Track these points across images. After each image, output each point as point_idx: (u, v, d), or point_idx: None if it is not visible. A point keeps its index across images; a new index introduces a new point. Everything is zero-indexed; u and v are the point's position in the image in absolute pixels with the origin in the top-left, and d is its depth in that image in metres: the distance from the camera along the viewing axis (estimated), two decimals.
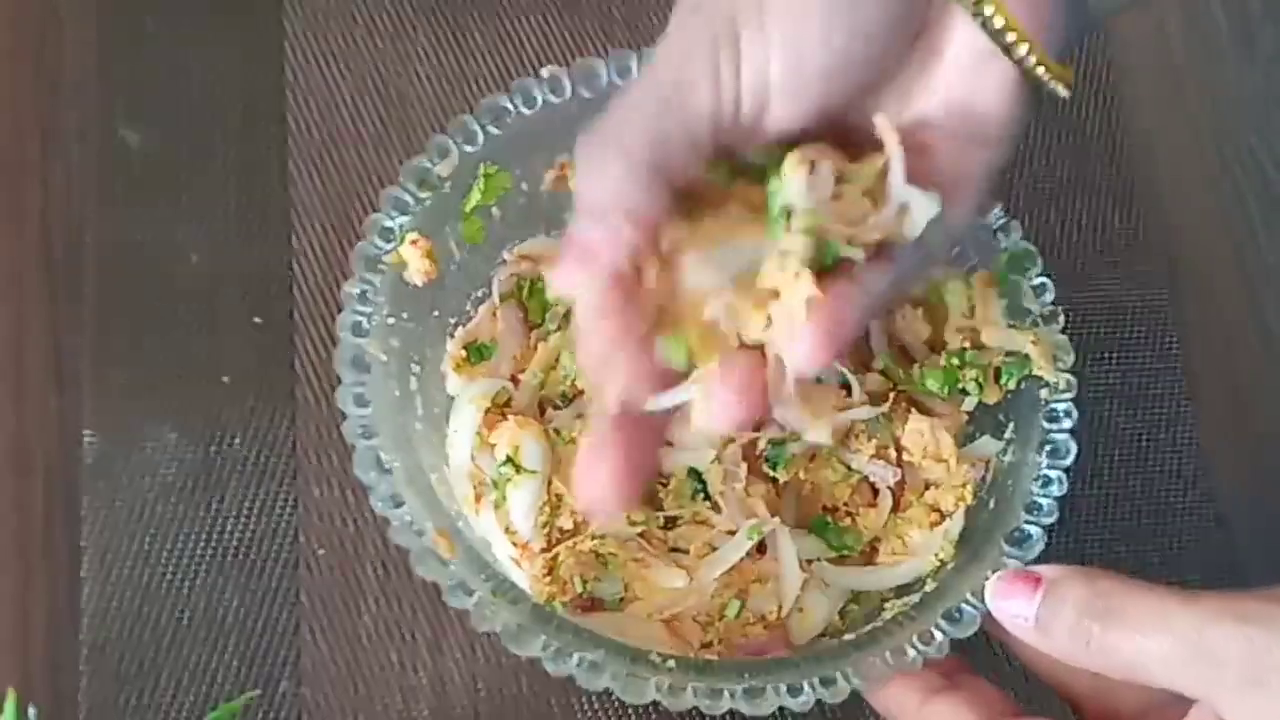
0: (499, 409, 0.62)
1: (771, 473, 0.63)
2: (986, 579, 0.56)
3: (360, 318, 0.57)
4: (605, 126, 0.43)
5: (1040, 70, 0.44)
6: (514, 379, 0.64)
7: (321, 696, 0.62)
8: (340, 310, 0.58)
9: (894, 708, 0.53)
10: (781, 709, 0.53)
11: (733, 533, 0.61)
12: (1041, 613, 0.48)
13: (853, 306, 0.43)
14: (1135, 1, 0.48)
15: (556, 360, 0.63)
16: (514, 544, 0.59)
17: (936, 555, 0.60)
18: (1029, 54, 0.43)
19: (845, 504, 0.64)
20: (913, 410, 0.63)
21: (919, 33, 0.44)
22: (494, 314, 0.64)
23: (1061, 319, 0.61)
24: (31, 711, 0.53)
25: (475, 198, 0.60)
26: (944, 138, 0.44)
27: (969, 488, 0.61)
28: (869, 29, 0.43)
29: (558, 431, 0.61)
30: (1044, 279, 0.62)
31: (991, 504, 0.60)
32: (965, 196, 0.45)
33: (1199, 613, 0.45)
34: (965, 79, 0.44)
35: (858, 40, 0.43)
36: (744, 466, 0.62)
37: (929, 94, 0.44)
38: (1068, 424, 0.59)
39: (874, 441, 0.63)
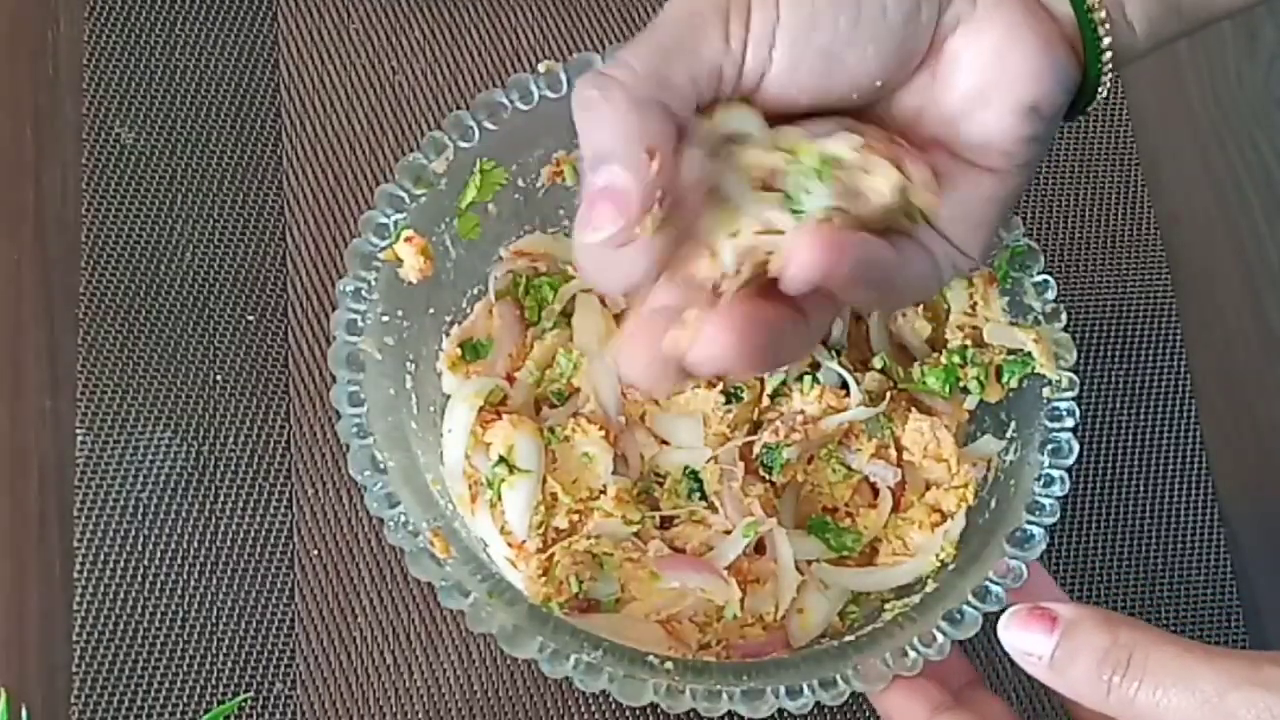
0: (494, 408, 0.61)
1: (767, 476, 0.63)
2: (988, 580, 0.56)
3: (355, 315, 0.57)
4: (606, 69, 0.43)
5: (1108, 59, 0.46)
6: (509, 377, 0.63)
7: (315, 698, 0.61)
8: (335, 308, 0.58)
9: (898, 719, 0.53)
10: (780, 711, 0.53)
11: (730, 532, 0.61)
12: (1058, 654, 0.48)
13: (854, 241, 0.43)
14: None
15: (553, 358, 0.63)
16: (509, 544, 0.59)
17: (937, 556, 0.60)
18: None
19: (845, 504, 0.63)
20: (913, 409, 0.63)
21: (929, 54, 0.45)
22: (490, 311, 0.63)
23: (1064, 317, 0.61)
24: (24, 712, 0.53)
25: (471, 194, 0.60)
26: (955, 166, 0.45)
27: (970, 488, 0.61)
28: (875, 22, 0.44)
29: (553, 430, 0.61)
30: (1046, 276, 0.61)
31: (993, 504, 0.60)
32: (970, 228, 0.46)
33: (1221, 675, 0.45)
34: (969, 105, 0.45)
35: (863, 29, 0.44)
36: (741, 466, 0.62)
37: (937, 120, 0.45)
38: (1070, 423, 0.59)
39: (874, 441, 0.63)
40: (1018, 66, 0.44)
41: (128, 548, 0.62)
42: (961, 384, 0.62)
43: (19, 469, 0.63)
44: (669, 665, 0.54)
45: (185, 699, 0.60)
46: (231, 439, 0.64)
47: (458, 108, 0.70)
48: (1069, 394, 0.59)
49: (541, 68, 0.61)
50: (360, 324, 0.57)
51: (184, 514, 0.63)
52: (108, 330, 0.65)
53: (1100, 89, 0.47)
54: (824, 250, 0.41)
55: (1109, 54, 0.46)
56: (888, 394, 0.63)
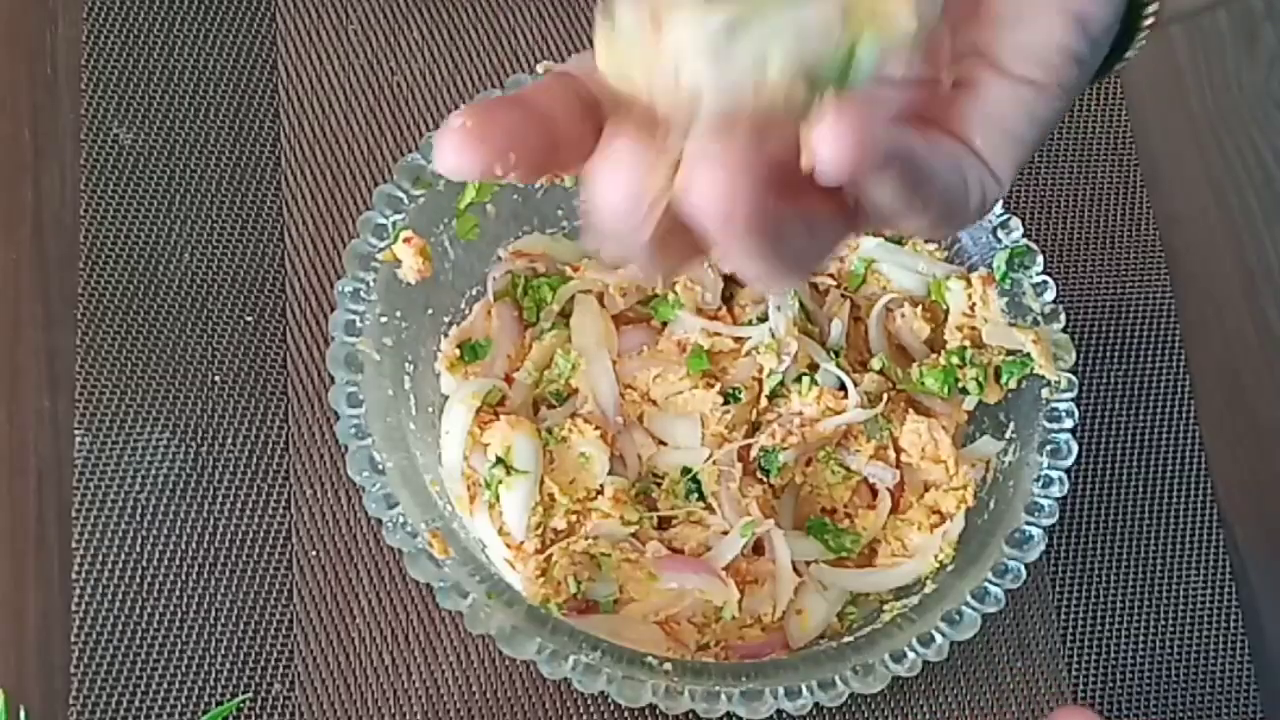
0: (492, 408, 0.61)
1: (765, 478, 0.63)
2: (987, 581, 0.56)
3: (353, 316, 0.57)
4: None
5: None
6: (508, 378, 0.63)
7: (314, 699, 0.61)
8: (333, 309, 0.58)
9: None
10: (779, 712, 0.53)
11: (727, 533, 0.61)
12: None
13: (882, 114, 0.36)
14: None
15: (551, 359, 0.63)
16: (508, 545, 0.59)
17: (936, 557, 0.60)
18: None
19: (844, 505, 0.63)
20: (910, 411, 0.63)
21: None
22: (488, 312, 0.63)
23: (1062, 318, 0.61)
24: (23, 713, 0.53)
25: (470, 195, 0.60)
26: (992, 75, 0.42)
27: (969, 489, 0.61)
28: None
29: (550, 431, 0.61)
30: (1045, 277, 0.61)
31: (992, 504, 0.60)
32: (1005, 143, 0.42)
33: None
34: (1013, 10, 0.42)
35: None
36: (739, 467, 0.62)
37: (979, 23, 0.42)
38: (1069, 424, 0.59)
39: (873, 443, 0.63)
40: None
41: (126, 549, 0.62)
42: (960, 385, 0.62)
43: (17, 470, 0.63)
44: (667, 666, 0.54)
45: (184, 700, 0.60)
46: (230, 440, 0.64)
47: (457, 108, 0.70)
48: (1068, 395, 0.59)
49: (540, 68, 0.61)
50: (359, 325, 0.57)
51: (182, 515, 0.63)
52: (106, 331, 0.65)
53: (1144, 24, 0.45)
54: (854, 128, 0.34)
55: None
56: (886, 395, 0.63)
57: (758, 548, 0.62)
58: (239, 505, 0.63)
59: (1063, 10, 0.42)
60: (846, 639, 0.57)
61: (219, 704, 0.60)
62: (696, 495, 0.62)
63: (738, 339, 0.64)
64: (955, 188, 0.41)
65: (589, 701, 0.62)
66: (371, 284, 0.58)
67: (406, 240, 0.58)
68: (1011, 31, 0.42)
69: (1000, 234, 0.62)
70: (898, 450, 0.63)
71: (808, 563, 0.62)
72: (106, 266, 0.67)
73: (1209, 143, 0.78)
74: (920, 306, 0.64)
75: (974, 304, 0.62)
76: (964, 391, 0.62)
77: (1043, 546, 0.57)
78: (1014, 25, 0.42)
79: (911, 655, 0.54)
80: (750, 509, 0.61)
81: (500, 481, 0.59)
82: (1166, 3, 0.44)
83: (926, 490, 0.62)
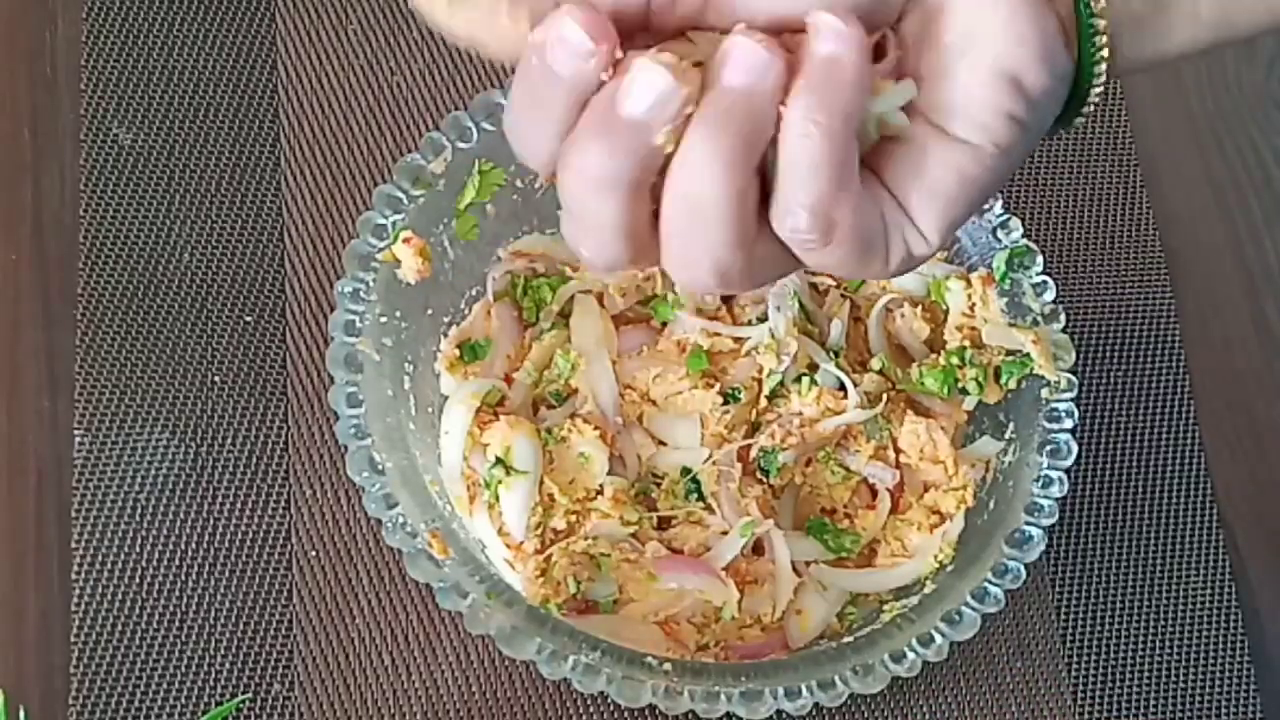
0: (492, 409, 0.61)
1: (765, 478, 0.63)
2: (987, 581, 0.56)
3: (353, 316, 0.57)
4: None
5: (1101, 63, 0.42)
6: (507, 378, 0.63)
7: (314, 700, 0.61)
8: (333, 309, 0.58)
9: None
10: (779, 712, 0.53)
11: (727, 533, 0.61)
12: None
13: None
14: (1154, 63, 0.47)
15: (550, 359, 0.63)
16: (507, 545, 0.59)
17: (935, 557, 0.60)
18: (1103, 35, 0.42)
19: (844, 506, 0.63)
20: (910, 411, 0.63)
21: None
22: (488, 312, 0.63)
23: (1062, 318, 0.61)
24: (22, 713, 0.53)
25: (469, 195, 0.60)
26: (927, 131, 0.41)
27: (969, 489, 0.61)
28: None
29: (550, 431, 0.61)
30: (1044, 277, 0.61)
31: (991, 505, 0.60)
32: (932, 201, 0.41)
33: None
34: (948, 61, 0.41)
35: None
36: (739, 467, 0.62)
37: (918, 79, 0.41)
38: (1069, 424, 0.59)
39: (872, 443, 0.63)
40: (1000, 25, 0.40)
41: (125, 549, 0.62)
42: (960, 385, 0.62)
43: (17, 470, 0.63)
44: (667, 666, 0.54)
45: (183, 700, 0.60)
46: (229, 440, 0.64)
47: (456, 108, 0.70)
48: (1067, 395, 0.59)
49: None
50: (358, 325, 0.57)
51: (182, 515, 0.63)
52: (105, 331, 0.65)
53: (1095, 83, 0.44)
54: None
55: (1103, 45, 0.43)
56: (885, 395, 0.63)
57: (757, 548, 0.62)
58: (239, 505, 0.63)
59: (995, 71, 0.41)
60: (846, 639, 0.57)
61: (219, 704, 0.60)
62: (696, 495, 0.62)
63: (737, 339, 0.64)
64: (869, 229, 0.41)
65: (589, 701, 0.62)
66: (371, 284, 0.58)
67: (406, 240, 0.58)
68: (944, 90, 0.41)
69: (1000, 234, 0.62)
70: (897, 450, 0.63)
71: (807, 563, 0.62)
72: (106, 266, 0.67)
73: (1209, 143, 0.78)
74: (920, 306, 0.64)
75: (974, 304, 0.62)
76: (964, 392, 0.62)
77: (1042, 547, 0.57)
78: (946, 83, 0.41)
79: (911, 655, 0.54)
80: (750, 509, 0.61)
81: (500, 482, 0.59)
82: (1118, 59, 0.43)
83: (926, 490, 0.62)
